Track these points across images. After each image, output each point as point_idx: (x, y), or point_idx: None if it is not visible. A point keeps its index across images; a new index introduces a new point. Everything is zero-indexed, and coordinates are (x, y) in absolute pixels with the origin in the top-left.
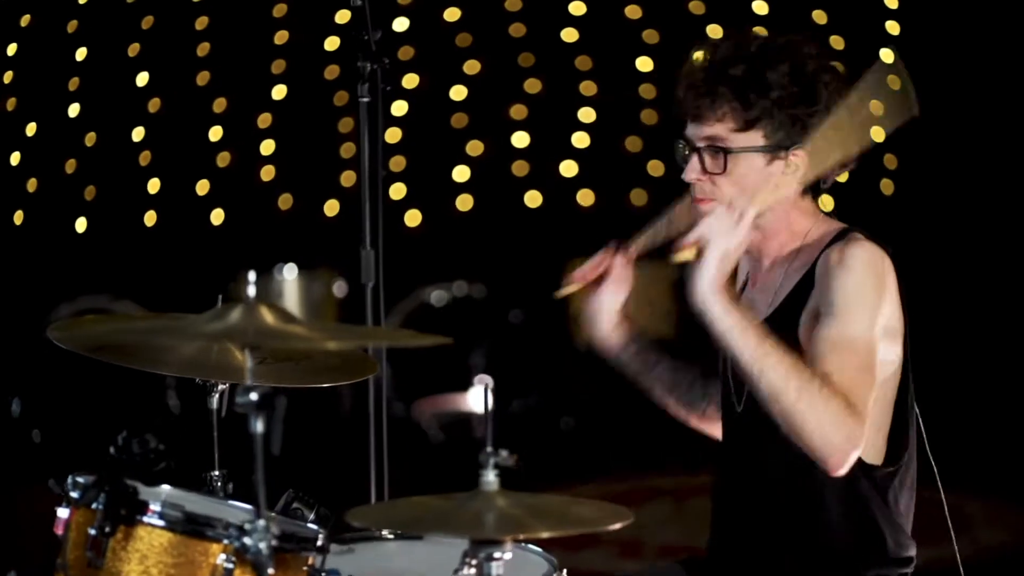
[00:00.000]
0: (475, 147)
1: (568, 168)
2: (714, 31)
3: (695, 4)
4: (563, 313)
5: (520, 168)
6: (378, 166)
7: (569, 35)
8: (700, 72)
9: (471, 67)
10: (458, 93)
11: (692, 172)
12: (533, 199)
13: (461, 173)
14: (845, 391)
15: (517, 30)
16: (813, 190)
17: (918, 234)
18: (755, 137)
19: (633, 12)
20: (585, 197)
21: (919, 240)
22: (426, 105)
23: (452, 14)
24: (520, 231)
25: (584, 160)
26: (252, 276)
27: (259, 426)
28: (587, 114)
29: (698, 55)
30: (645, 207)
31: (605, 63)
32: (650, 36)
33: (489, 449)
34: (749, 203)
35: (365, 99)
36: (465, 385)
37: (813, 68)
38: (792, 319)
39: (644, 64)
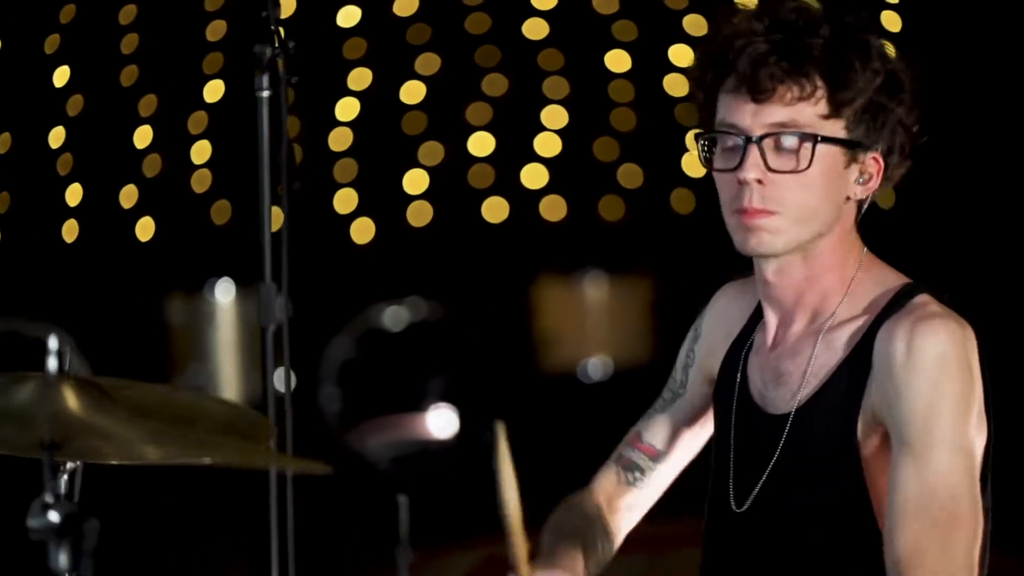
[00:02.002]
0: (432, 153)
1: (535, 176)
2: (693, 23)
3: None
4: (527, 334)
5: (483, 176)
6: (283, 176)
7: (537, 29)
8: (760, 35)
9: (429, 64)
10: (414, 93)
11: (754, 170)
12: (497, 211)
13: (417, 182)
14: None
15: (479, 23)
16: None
17: (922, 251)
18: (837, 127)
19: (606, 5)
20: (554, 209)
21: (924, 259)
22: (378, 105)
23: (408, 5)
24: (482, 246)
25: (553, 167)
26: (53, 343)
27: (62, 559)
28: (557, 117)
29: (745, 15)
30: (620, 221)
31: (576, 59)
32: (625, 30)
33: None
34: (820, 222)
35: (265, 92)
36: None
37: (892, 52)
38: (836, 419)
39: (618, 61)
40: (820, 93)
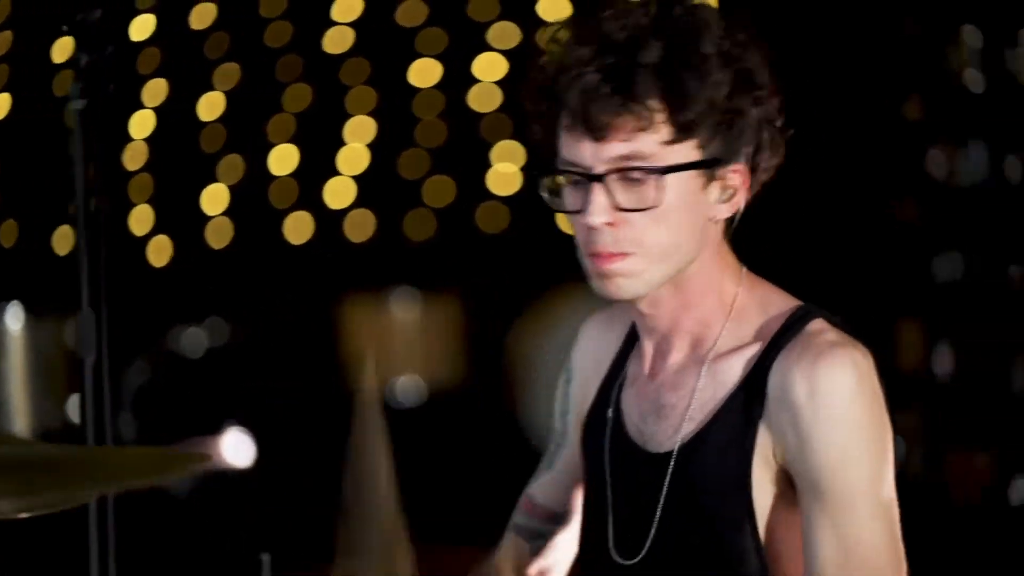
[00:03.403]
0: (232, 169)
1: (340, 193)
2: (499, 33)
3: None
4: (335, 356)
5: (285, 193)
6: (93, 195)
7: (340, 40)
8: (590, 63)
9: (228, 76)
10: (212, 106)
11: (601, 213)
12: (300, 229)
13: (216, 199)
14: None
15: (280, 33)
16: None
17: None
18: (688, 150)
19: (411, 16)
20: (360, 226)
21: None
22: (174, 120)
23: (205, 15)
24: (285, 265)
25: (359, 184)
26: None
27: None
28: (362, 130)
29: (563, 40)
30: (428, 239)
31: (380, 70)
32: (431, 41)
33: None
34: (683, 254)
35: (79, 104)
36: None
37: (743, 41)
38: (726, 458)
39: (425, 73)
40: (661, 117)
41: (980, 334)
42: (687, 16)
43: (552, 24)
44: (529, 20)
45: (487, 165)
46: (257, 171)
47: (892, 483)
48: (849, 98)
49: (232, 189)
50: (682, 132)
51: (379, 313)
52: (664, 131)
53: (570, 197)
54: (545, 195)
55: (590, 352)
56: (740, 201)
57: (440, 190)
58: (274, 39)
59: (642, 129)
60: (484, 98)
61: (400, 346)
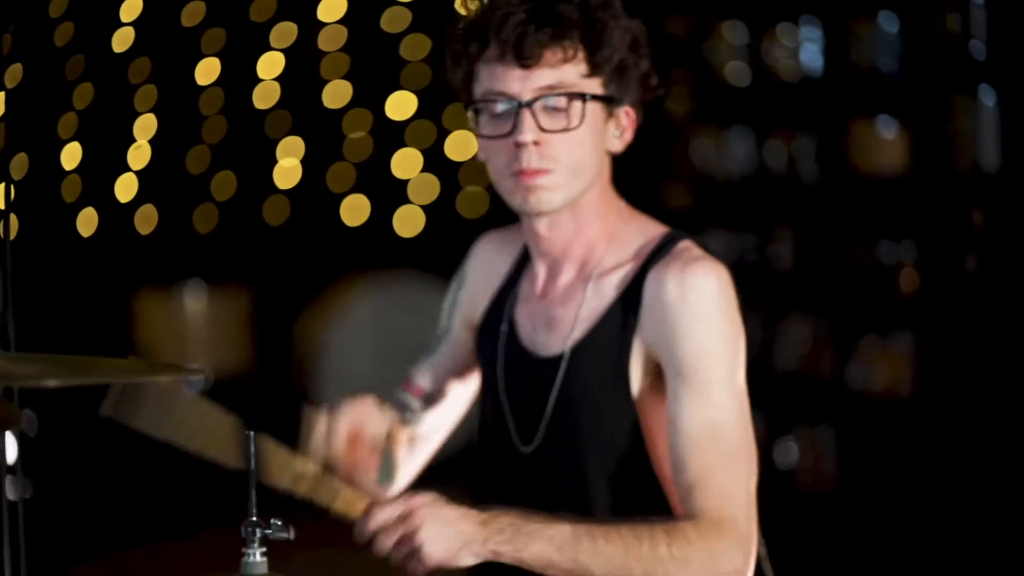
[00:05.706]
0: (20, 166)
1: (126, 188)
2: (280, 33)
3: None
4: (127, 349)
5: (73, 188)
6: None
7: (123, 39)
8: (520, 5)
9: (13, 75)
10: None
11: (530, 132)
12: (88, 223)
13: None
14: (717, 505)
15: (64, 33)
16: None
17: None
18: (596, 85)
19: (193, 16)
20: (146, 220)
21: None
22: None
23: None
24: (74, 258)
25: (144, 179)
26: None
27: None
28: (145, 127)
29: None
30: (213, 232)
31: (164, 69)
32: (213, 41)
33: (255, 518)
34: (590, 175)
35: None
36: None
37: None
38: (609, 357)
39: (206, 72)
40: (580, 54)
41: (745, 308)
42: None
43: None
44: (307, 21)
45: (271, 160)
46: (46, 167)
47: (743, 376)
48: None
49: (19, 185)
50: (595, 68)
51: (168, 304)
52: (582, 65)
53: (490, 125)
54: (474, 122)
55: (483, 265)
56: (628, 139)
57: (224, 184)
58: (59, 39)
59: (566, 61)
60: (266, 95)
61: (188, 335)
